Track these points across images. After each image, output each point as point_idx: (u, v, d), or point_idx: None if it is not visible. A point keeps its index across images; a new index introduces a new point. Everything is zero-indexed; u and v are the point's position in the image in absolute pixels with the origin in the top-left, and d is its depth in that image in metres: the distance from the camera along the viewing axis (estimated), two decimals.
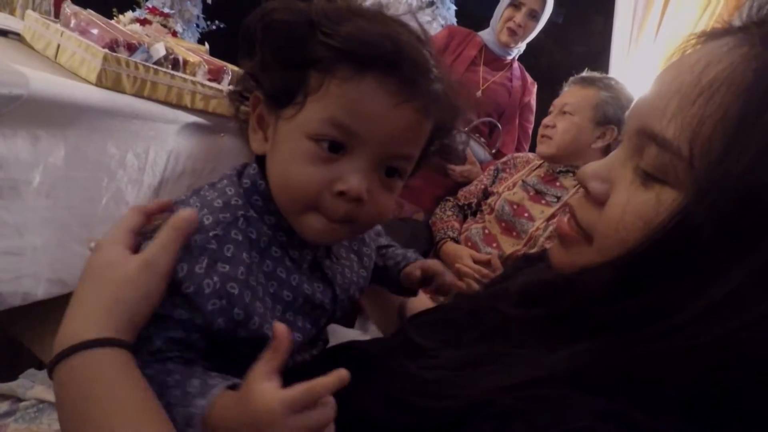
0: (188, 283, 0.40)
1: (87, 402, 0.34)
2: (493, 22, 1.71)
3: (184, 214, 0.41)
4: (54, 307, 0.97)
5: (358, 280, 0.55)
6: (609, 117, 1.29)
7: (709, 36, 0.35)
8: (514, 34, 1.64)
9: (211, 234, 0.42)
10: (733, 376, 0.28)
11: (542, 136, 1.37)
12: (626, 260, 0.32)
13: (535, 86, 1.81)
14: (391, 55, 0.39)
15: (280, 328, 0.35)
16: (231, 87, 0.65)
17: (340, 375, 0.32)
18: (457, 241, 1.43)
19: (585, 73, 1.40)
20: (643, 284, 0.31)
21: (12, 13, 2.28)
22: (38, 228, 0.84)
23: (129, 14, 1.25)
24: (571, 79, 1.40)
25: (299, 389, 0.32)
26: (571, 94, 1.34)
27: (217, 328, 0.41)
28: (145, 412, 0.34)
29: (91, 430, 0.33)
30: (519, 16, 1.62)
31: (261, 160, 0.46)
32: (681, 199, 0.31)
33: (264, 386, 0.32)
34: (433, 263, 0.63)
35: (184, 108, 1.02)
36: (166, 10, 1.47)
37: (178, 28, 2.04)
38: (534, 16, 1.63)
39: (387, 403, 0.35)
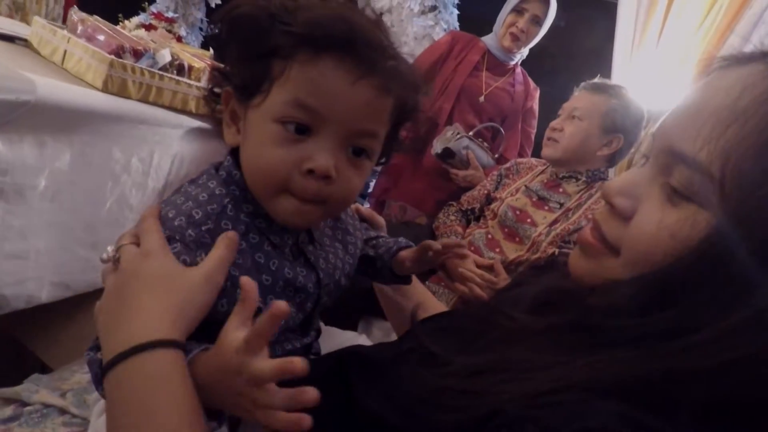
0: None
1: (156, 399, 0.34)
2: (496, 27, 1.71)
3: (232, 237, 0.43)
4: (57, 311, 0.97)
5: (344, 266, 0.56)
6: (617, 125, 1.28)
7: (738, 60, 0.36)
8: (517, 40, 1.64)
9: (203, 228, 0.44)
10: (756, 394, 0.28)
11: (548, 138, 1.37)
12: (657, 276, 0.33)
13: (538, 91, 1.82)
14: (346, 35, 0.41)
15: (245, 280, 0.37)
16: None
17: (277, 308, 0.33)
18: None
19: (597, 80, 1.40)
20: (670, 300, 0.32)
21: (24, 18, 2.30)
22: (43, 231, 0.85)
23: (135, 20, 1.26)
24: (583, 84, 1.39)
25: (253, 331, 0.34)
26: (581, 99, 1.34)
27: (219, 309, 0.42)
28: (198, 414, 0.35)
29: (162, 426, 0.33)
30: (522, 22, 1.62)
31: (235, 153, 0.48)
32: (712, 219, 0.32)
33: (228, 330, 0.35)
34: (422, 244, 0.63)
35: (189, 113, 1.02)
36: (171, 15, 1.48)
37: (182, 32, 2.05)
38: (537, 21, 1.63)
39: (401, 409, 0.36)
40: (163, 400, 0.34)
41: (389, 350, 0.49)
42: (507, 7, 1.67)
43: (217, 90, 0.50)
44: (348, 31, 0.41)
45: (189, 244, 0.42)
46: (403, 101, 0.47)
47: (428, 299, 0.72)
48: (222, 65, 0.49)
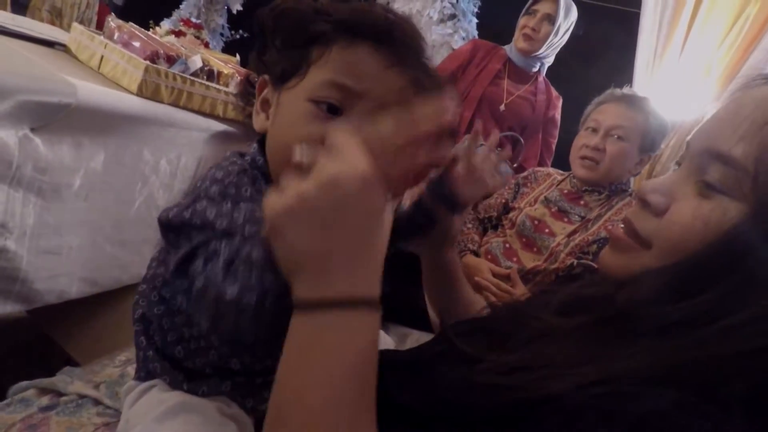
0: (221, 220, 0.40)
1: (354, 356, 0.32)
2: (514, 37, 1.72)
3: None
4: (84, 306, 1.01)
5: None
6: (655, 145, 1.26)
7: None
8: (530, 39, 1.64)
9: (226, 182, 0.44)
10: None
11: (587, 158, 1.26)
12: (690, 262, 0.35)
13: (560, 100, 1.80)
14: (385, 26, 0.44)
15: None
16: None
17: None
18: (477, 254, 1.43)
19: (627, 91, 1.33)
20: (703, 285, 0.33)
21: (63, 24, 2.39)
22: (75, 229, 0.88)
23: (165, 26, 1.30)
24: (612, 94, 1.31)
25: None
26: (620, 116, 1.24)
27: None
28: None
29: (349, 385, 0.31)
30: (533, 21, 1.63)
31: (260, 143, 0.50)
32: (743, 208, 0.34)
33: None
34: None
35: (216, 117, 1.05)
36: (194, 20, 1.52)
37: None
38: (550, 20, 1.63)
39: (438, 402, 0.36)
40: (362, 364, 0.32)
41: (420, 353, 0.49)
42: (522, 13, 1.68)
43: (251, 90, 0.52)
44: (387, 22, 0.44)
45: (214, 197, 0.42)
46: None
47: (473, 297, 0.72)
48: (257, 61, 0.50)
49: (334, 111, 0.43)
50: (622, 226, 0.42)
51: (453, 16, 2.87)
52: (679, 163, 0.42)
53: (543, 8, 1.63)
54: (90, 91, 0.76)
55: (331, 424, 0.30)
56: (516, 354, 0.37)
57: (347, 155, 0.32)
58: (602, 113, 1.29)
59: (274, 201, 0.32)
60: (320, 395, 0.30)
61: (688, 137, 0.42)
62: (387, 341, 0.70)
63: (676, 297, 0.34)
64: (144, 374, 0.50)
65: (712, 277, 0.33)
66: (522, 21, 1.67)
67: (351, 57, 0.43)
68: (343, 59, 0.43)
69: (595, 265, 0.57)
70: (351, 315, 0.32)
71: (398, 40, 0.44)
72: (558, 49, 1.74)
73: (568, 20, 1.66)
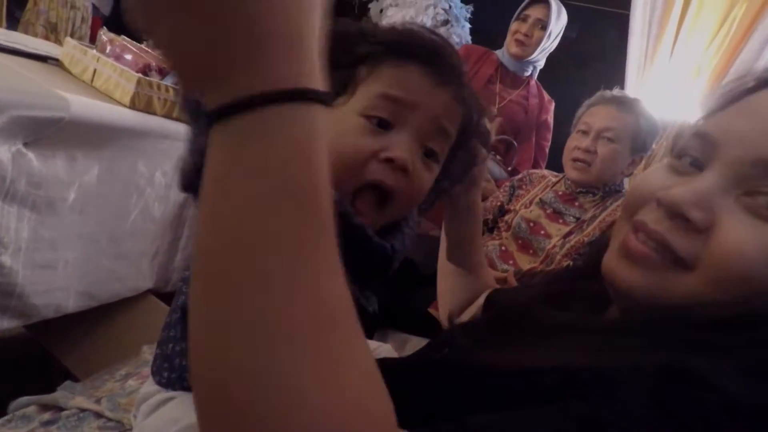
0: None
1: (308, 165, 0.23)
2: (505, 41, 1.74)
3: None
4: (83, 320, 1.00)
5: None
6: (646, 146, 1.27)
7: None
8: (522, 44, 1.66)
9: None
10: None
11: (578, 160, 1.27)
12: (750, 301, 0.31)
13: (553, 104, 1.82)
14: (432, 47, 0.46)
15: None
16: None
17: None
18: None
19: (618, 93, 1.35)
20: (752, 322, 0.30)
21: (58, 38, 2.40)
22: (71, 243, 0.88)
23: None
24: (603, 97, 1.33)
25: None
26: (610, 118, 1.26)
27: None
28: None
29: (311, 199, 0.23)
30: (525, 27, 1.65)
31: None
32: None
33: None
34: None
35: None
36: None
37: None
38: (541, 25, 1.65)
39: (448, 400, 0.35)
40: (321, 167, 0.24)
41: (421, 358, 0.49)
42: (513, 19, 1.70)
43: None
44: (434, 44, 0.46)
45: None
46: (469, 118, 0.51)
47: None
48: None
49: (384, 126, 0.45)
50: (637, 235, 0.37)
51: (446, 22, 2.89)
52: (696, 163, 0.37)
53: (534, 13, 1.65)
54: (82, 105, 0.76)
55: (273, 261, 0.22)
56: (526, 351, 0.36)
57: None
58: (593, 116, 1.30)
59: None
60: (256, 224, 0.22)
61: (702, 128, 0.37)
62: (385, 349, 0.70)
63: (714, 326, 0.30)
64: (167, 374, 0.47)
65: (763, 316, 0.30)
66: (514, 26, 1.69)
67: (400, 74, 0.45)
68: (392, 75, 0.45)
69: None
70: (292, 113, 0.23)
71: (444, 60, 0.46)
72: (549, 53, 1.76)
73: (559, 24, 1.68)
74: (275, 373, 0.21)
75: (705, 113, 0.41)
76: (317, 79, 0.25)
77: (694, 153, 0.37)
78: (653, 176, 0.39)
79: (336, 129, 0.45)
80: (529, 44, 1.67)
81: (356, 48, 0.46)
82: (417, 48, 0.45)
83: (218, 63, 0.23)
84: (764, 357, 0.28)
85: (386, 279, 0.51)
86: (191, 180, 0.38)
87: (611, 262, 0.39)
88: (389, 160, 0.44)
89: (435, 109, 0.46)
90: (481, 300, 0.65)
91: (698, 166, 0.37)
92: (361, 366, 0.24)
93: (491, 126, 0.71)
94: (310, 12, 0.25)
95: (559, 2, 1.66)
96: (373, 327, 1.28)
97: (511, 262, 1.36)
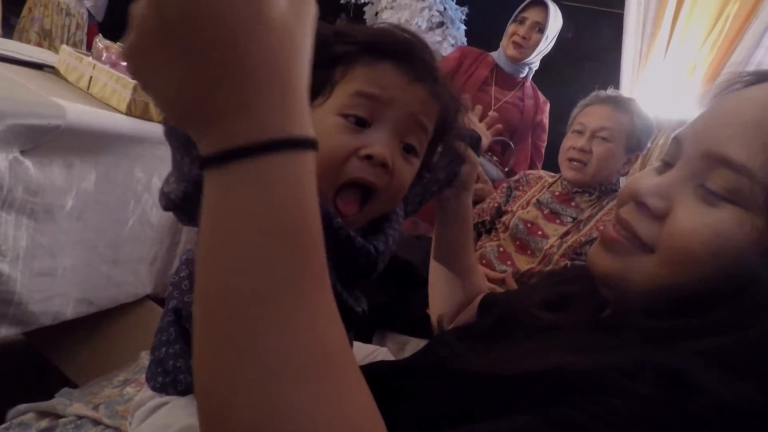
0: None
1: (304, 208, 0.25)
2: (501, 43, 1.75)
3: None
4: (81, 327, 1.00)
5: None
6: (641, 145, 1.28)
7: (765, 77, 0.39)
8: (520, 47, 1.66)
9: None
10: None
11: (574, 160, 1.28)
12: (707, 280, 0.33)
13: (548, 105, 1.83)
14: (404, 47, 0.47)
15: None
16: None
17: None
18: None
19: (612, 93, 1.35)
20: (709, 303, 0.32)
21: (52, 44, 2.40)
22: (69, 249, 0.88)
23: None
24: (597, 97, 1.34)
25: None
26: (605, 118, 1.27)
27: None
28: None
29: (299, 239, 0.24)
30: (523, 30, 1.65)
31: None
32: (760, 222, 0.33)
33: None
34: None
35: None
36: None
37: None
38: (539, 28, 1.65)
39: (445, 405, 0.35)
40: (310, 210, 0.25)
41: (418, 362, 0.49)
42: (510, 21, 1.71)
43: None
44: (407, 42, 0.47)
45: None
46: (446, 113, 0.52)
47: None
48: None
49: (362, 123, 0.46)
50: (615, 225, 0.41)
51: (441, 24, 2.91)
52: (667, 162, 0.41)
53: (532, 16, 1.65)
54: (79, 113, 0.76)
55: (272, 306, 0.23)
56: (516, 348, 0.37)
57: None
58: (587, 116, 1.31)
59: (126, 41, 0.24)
60: (255, 271, 0.23)
61: (677, 133, 0.41)
62: (383, 352, 0.70)
63: (678, 310, 0.33)
64: (161, 378, 0.48)
65: (721, 294, 0.32)
66: (511, 28, 1.70)
67: (375, 72, 0.46)
68: (367, 74, 0.46)
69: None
70: (283, 160, 0.24)
71: (417, 58, 0.47)
72: (544, 54, 1.77)
73: (555, 27, 1.69)
74: (276, 411, 0.22)
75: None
76: (307, 122, 0.26)
77: (668, 155, 0.41)
78: (640, 177, 0.42)
79: (315, 130, 0.46)
80: (526, 47, 1.67)
81: (332, 49, 0.46)
82: (390, 46, 0.46)
83: (210, 111, 0.23)
84: (735, 344, 0.30)
85: (373, 279, 0.52)
86: (176, 204, 0.39)
87: (592, 251, 0.42)
88: (368, 157, 0.45)
89: (411, 105, 0.47)
90: (475, 304, 0.65)
91: (670, 165, 0.40)
92: (358, 402, 0.25)
93: (486, 124, 0.72)
94: (300, 57, 0.26)
95: (555, 5, 1.67)
96: (370, 329, 1.28)
97: (509, 262, 1.36)
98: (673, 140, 0.41)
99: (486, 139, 0.72)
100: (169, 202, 0.41)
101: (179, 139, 0.39)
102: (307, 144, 0.25)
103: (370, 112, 0.46)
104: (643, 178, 0.40)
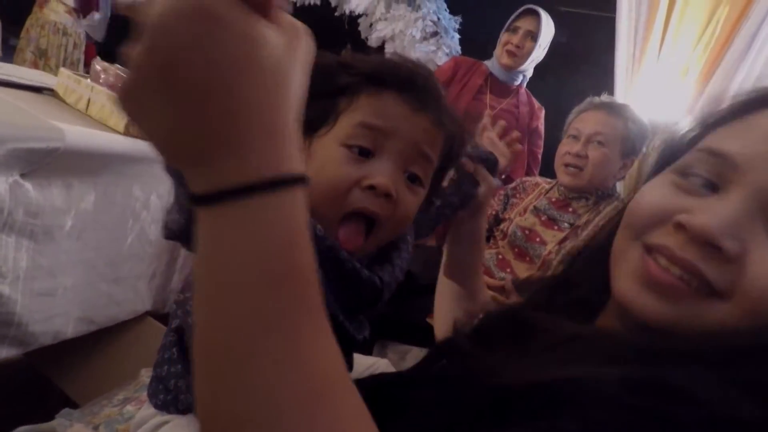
0: None
1: (294, 248, 0.25)
2: (495, 51, 1.76)
3: None
4: (82, 345, 1.01)
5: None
6: (636, 149, 1.29)
7: None
8: (514, 56, 1.68)
9: None
10: None
11: (570, 165, 1.30)
12: None
13: (543, 111, 1.84)
14: (408, 76, 0.47)
15: None
16: None
17: None
18: None
19: (606, 99, 1.38)
20: None
21: (48, 63, 2.42)
22: (69, 269, 0.89)
23: None
24: (591, 103, 1.35)
25: None
26: (600, 123, 1.29)
27: None
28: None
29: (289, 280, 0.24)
30: (516, 38, 1.67)
31: None
32: None
33: None
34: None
35: None
36: None
37: None
38: (532, 36, 1.67)
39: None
40: (302, 249, 0.25)
41: (415, 375, 0.48)
42: (503, 30, 1.73)
43: None
44: (410, 72, 0.47)
45: None
46: (452, 141, 0.52)
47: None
48: None
49: (365, 154, 0.46)
50: (663, 266, 0.35)
51: (435, 34, 2.93)
52: (711, 182, 0.35)
53: (525, 25, 1.67)
54: (77, 134, 0.78)
55: (267, 345, 0.23)
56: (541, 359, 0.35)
57: None
58: (582, 121, 1.32)
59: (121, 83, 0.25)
60: (248, 312, 0.24)
61: (727, 151, 0.35)
62: (383, 364, 0.70)
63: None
64: (163, 396, 0.48)
65: None
66: (504, 37, 1.71)
67: (378, 103, 0.46)
68: (370, 105, 0.46)
69: None
70: (275, 199, 0.24)
71: (420, 87, 0.47)
72: (538, 62, 1.78)
73: (548, 35, 1.71)
74: None
75: (703, 126, 0.40)
76: (296, 158, 0.26)
77: (705, 174, 0.36)
78: (658, 195, 0.38)
79: (319, 159, 0.47)
80: (520, 55, 1.69)
81: (335, 79, 0.47)
82: (393, 77, 0.46)
83: (200, 152, 0.24)
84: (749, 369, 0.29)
85: (377, 309, 0.51)
86: (176, 234, 0.40)
87: (631, 291, 0.36)
88: (371, 187, 0.45)
89: (414, 135, 0.47)
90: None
91: (711, 188, 0.35)
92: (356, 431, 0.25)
93: (490, 127, 0.72)
94: (292, 95, 0.26)
95: (547, 13, 1.69)
96: (371, 340, 1.28)
97: (508, 270, 1.37)
98: (713, 156, 0.35)
99: (504, 160, 0.72)
100: (170, 233, 0.41)
101: (175, 174, 0.40)
102: (296, 181, 0.25)
103: (373, 143, 0.46)
104: (675, 201, 0.36)
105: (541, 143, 1.84)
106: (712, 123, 0.39)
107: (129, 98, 0.24)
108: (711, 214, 0.33)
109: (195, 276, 0.25)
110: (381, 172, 0.45)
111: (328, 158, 0.46)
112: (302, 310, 0.25)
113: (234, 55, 0.23)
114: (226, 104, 0.23)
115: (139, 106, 0.24)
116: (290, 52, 0.25)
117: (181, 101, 0.23)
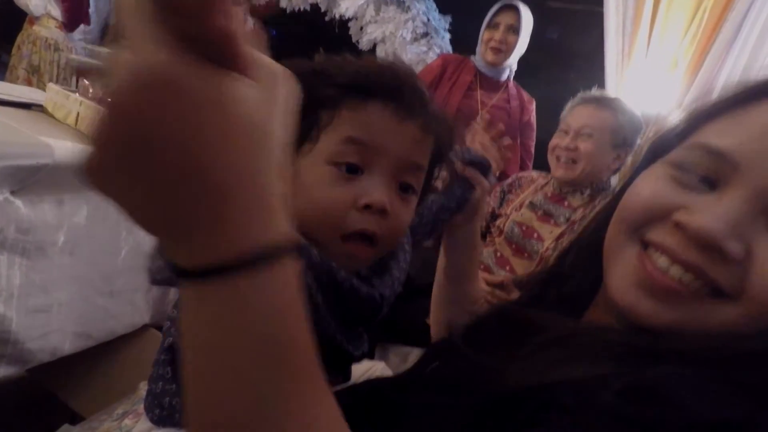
0: None
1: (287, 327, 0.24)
2: (478, 48, 1.76)
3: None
4: (84, 359, 1.00)
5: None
6: (627, 141, 1.29)
7: None
8: (499, 51, 1.68)
9: None
10: None
11: (561, 159, 1.32)
12: None
13: (533, 103, 1.84)
14: (391, 83, 0.44)
15: None
16: None
17: None
18: None
19: (595, 93, 1.39)
20: None
21: (41, 79, 2.42)
22: (64, 284, 0.88)
23: None
24: (581, 97, 1.37)
25: None
26: (588, 116, 1.31)
27: None
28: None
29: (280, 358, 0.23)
30: (498, 34, 1.67)
31: None
32: None
33: None
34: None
35: None
36: None
37: None
38: (513, 30, 1.67)
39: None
40: (294, 327, 0.24)
41: (409, 378, 0.48)
42: (482, 27, 1.73)
43: None
44: (394, 78, 0.44)
45: None
46: (440, 141, 0.50)
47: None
48: None
49: (354, 170, 0.44)
50: (662, 269, 0.34)
51: (426, 34, 2.93)
52: (708, 179, 0.34)
53: (505, 20, 1.67)
54: (67, 150, 0.77)
55: (263, 415, 0.23)
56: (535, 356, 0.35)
57: (124, 64, 0.19)
58: (572, 116, 1.34)
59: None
60: (238, 387, 0.23)
61: (722, 147, 0.34)
62: (380, 367, 0.70)
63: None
64: (158, 411, 0.47)
65: None
66: (486, 35, 1.72)
67: (362, 115, 0.43)
68: (354, 118, 0.43)
69: None
70: (261, 273, 0.22)
71: (404, 93, 0.44)
72: (521, 54, 1.79)
73: (528, 27, 1.71)
74: None
75: (695, 118, 0.39)
76: (283, 225, 0.24)
77: (702, 170, 0.35)
78: (655, 188, 0.37)
79: (306, 180, 0.45)
80: (505, 50, 1.70)
81: (313, 91, 0.43)
82: (375, 85, 0.44)
83: (176, 227, 0.22)
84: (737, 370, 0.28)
85: (377, 324, 0.50)
86: (162, 283, 0.38)
87: (629, 296, 0.35)
88: (367, 206, 0.43)
89: (404, 146, 0.45)
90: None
91: (709, 184, 0.35)
92: None
93: (479, 125, 0.72)
94: (271, 153, 0.23)
95: (524, 5, 1.70)
96: (371, 344, 1.28)
97: (507, 267, 1.36)
98: (712, 153, 0.34)
99: (496, 164, 0.72)
100: (155, 281, 0.40)
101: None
102: (282, 251, 0.23)
103: (361, 159, 0.44)
104: (671, 196, 0.35)
105: (534, 135, 1.84)
106: (705, 115, 0.38)
107: (95, 172, 0.21)
108: (711, 215, 0.33)
109: (182, 346, 0.23)
110: (374, 189, 0.43)
111: (316, 179, 0.44)
112: (297, 379, 0.24)
113: (201, 125, 0.20)
114: (199, 181, 0.21)
115: (106, 183, 0.21)
116: (268, 105, 0.23)
117: (147, 182, 0.20)
